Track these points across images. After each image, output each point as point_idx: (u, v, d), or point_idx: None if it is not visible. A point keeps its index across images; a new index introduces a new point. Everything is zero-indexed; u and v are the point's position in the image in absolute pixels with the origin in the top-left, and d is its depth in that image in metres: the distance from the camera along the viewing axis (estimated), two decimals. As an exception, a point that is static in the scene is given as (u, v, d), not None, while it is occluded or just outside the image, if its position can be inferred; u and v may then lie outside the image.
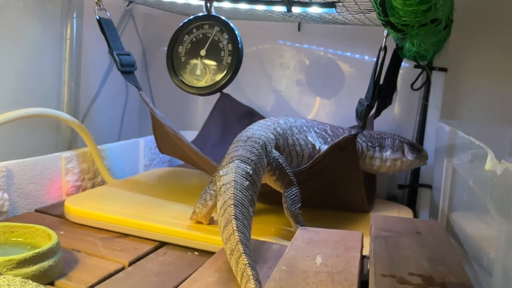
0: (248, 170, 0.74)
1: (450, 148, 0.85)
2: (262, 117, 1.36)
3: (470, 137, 0.65)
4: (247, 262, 0.58)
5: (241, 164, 0.74)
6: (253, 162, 0.76)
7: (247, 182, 0.71)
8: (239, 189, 0.69)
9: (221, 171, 0.74)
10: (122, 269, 0.73)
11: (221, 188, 0.71)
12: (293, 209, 0.82)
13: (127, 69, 1.01)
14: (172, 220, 0.86)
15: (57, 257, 0.68)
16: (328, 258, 0.60)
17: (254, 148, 0.79)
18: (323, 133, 0.98)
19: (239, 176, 0.71)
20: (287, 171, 0.83)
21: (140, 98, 1.00)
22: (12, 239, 0.74)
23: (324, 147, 0.94)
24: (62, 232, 0.84)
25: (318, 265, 0.58)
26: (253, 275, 0.57)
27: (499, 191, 0.49)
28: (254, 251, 0.72)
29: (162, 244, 0.83)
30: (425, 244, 0.63)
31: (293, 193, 0.83)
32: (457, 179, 0.81)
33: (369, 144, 1.02)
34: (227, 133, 1.25)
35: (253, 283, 0.55)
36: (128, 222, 0.86)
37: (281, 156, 0.84)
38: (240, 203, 0.67)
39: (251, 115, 1.35)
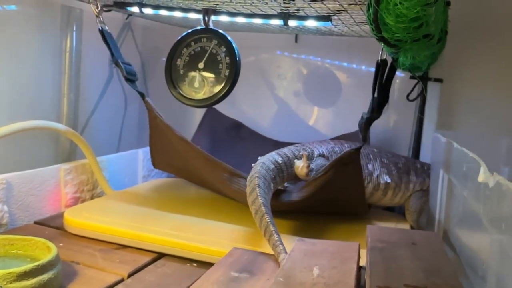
0: (278, 160, 0.92)
1: (445, 159, 0.86)
2: (249, 130, 1.41)
3: (464, 148, 0.66)
4: (268, 220, 0.76)
5: (275, 155, 0.93)
6: (287, 157, 0.93)
7: (273, 166, 0.90)
8: (264, 167, 0.87)
9: (259, 157, 0.91)
10: (121, 281, 0.74)
11: (252, 167, 0.88)
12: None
13: (131, 78, 1.03)
14: (170, 232, 0.87)
15: (57, 270, 0.69)
16: (325, 270, 0.61)
17: (298, 151, 0.96)
18: (390, 165, 1.00)
19: (267, 160, 0.90)
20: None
21: (138, 110, 1.01)
22: (12, 251, 0.75)
23: (386, 178, 0.98)
24: (61, 244, 0.85)
25: (315, 276, 0.59)
26: (274, 230, 0.74)
27: (492, 203, 0.50)
28: (251, 263, 0.73)
29: (160, 255, 0.84)
30: (420, 255, 0.63)
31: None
32: (453, 190, 0.82)
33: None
34: (217, 145, 1.28)
35: (276, 237, 0.73)
36: (127, 234, 0.87)
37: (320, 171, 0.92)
38: (263, 177, 0.85)
39: (238, 127, 1.40)
